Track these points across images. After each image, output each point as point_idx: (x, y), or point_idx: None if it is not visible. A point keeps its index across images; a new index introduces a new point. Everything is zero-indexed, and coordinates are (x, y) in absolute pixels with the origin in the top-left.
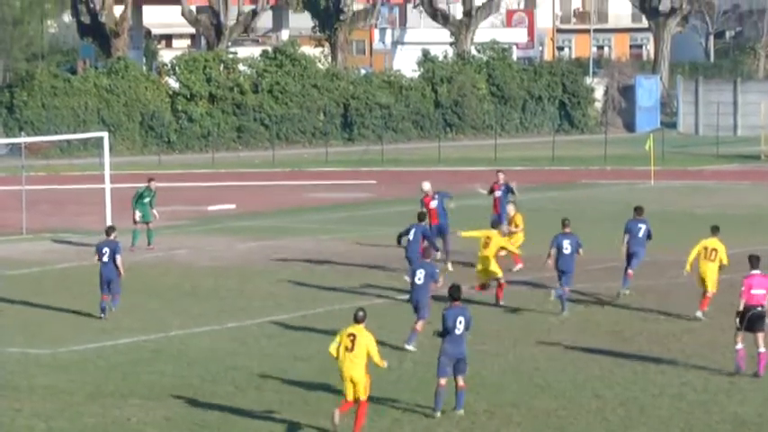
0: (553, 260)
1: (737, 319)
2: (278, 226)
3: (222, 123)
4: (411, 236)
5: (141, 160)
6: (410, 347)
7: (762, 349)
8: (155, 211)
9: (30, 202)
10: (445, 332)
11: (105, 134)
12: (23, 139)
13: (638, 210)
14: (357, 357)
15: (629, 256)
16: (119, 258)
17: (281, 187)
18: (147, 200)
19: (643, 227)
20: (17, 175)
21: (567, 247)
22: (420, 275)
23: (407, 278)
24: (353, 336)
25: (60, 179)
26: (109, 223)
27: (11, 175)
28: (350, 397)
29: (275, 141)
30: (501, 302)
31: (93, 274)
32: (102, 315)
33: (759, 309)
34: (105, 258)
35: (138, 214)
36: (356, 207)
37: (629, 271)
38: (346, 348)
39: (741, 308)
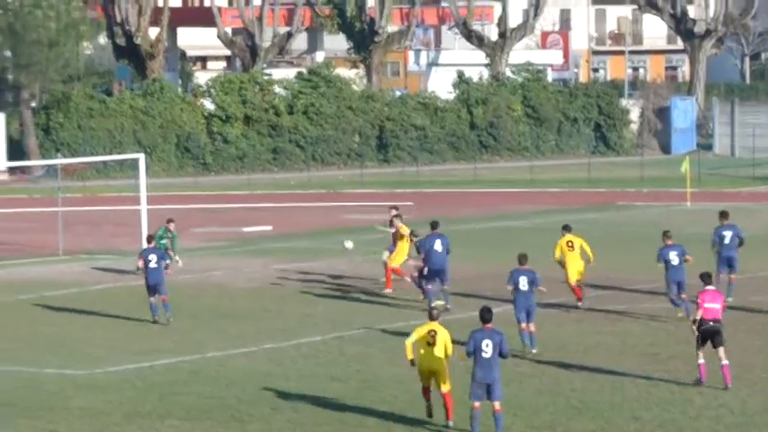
0: None
1: (696, 336)
2: (313, 247)
3: (258, 145)
4: (439, 247)
5: (177, 182)
6: (534, 350)
7: (724, 362)
8: (177, 258)
9: (66, 223)
10: (469, 354)
11: (141, 156)
12: (60, 161)
13: (724, 214)
14: (438, 351)
15: (724, 262)
16: (164, 263)
17: (316, 209)
18: (164, 241)
19: (731, 232)
20: (54, 196)
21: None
22: (524, 282)
23: (509, 286)
24: (434, 332)
25: (97, 200)
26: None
27: (47, 197)
28: (424, 383)
29: (310, 163)
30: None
31: (130, 294)
32: (156, 316)
33: (713, 324)
34: (153, 264)
35: None
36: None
37: (731, 276)
38: (428, 344)
39: (696, 324)
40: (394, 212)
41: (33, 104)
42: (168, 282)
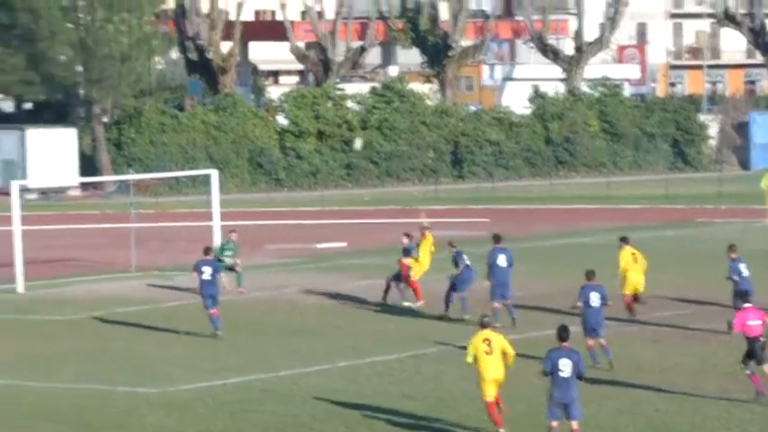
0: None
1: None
2: (387, 264)
3: (331, 160)
4: (502, 262)
5: (250, 198)
6: (609, 357)
7: None
8: (238, 261)
9: (138, 239)
10: (547, 374)
11: (214, 171)
12: (132, 177)
13: None
14: (497, 358)
15: None
16: (219, 275)
17: (390, 225)
18: (228, 253)
19: None
20: (126, 212)
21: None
22: (595, 298)
23: (579, 302)
24: (489, 340)
25: (169, 216)
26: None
27: (120, 213)
28: (491, 397)
29: (384, 178)
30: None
31: (200, 311)
32: (218, 332)
33: (757, 340)
34: (208, 276)
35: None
36: (467, 245)
37: None
38: (485, 353)
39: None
40: (426, 223)
41: (105, 120)
42: (240, 299)
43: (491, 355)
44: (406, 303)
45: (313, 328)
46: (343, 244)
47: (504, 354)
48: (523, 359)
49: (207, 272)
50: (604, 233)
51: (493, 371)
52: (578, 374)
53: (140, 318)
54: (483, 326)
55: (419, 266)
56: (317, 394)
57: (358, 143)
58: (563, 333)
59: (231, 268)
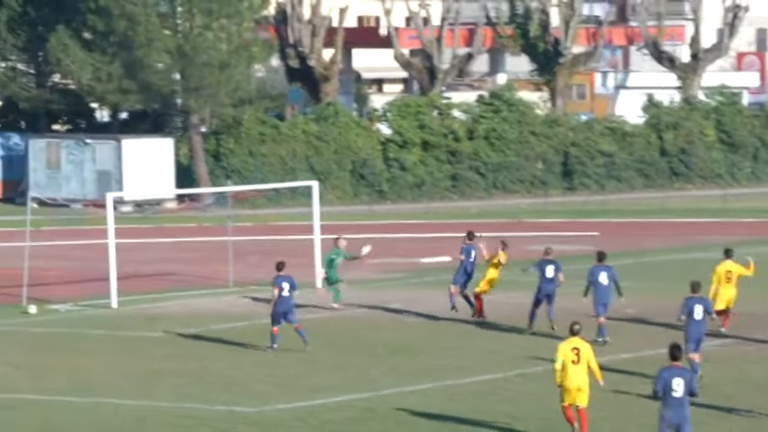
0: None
1: None
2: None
3: (436, 171)
4: (604, 280)
5: (351, 210)
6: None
7: None
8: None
9: (237, 253)
10: (657, 394)
11: (315, 183)
12: (230, 188)
13: None
14: (582, 368)
15: None
16: (296, 292)
17: (498, 239)
18: (338, 260)
19: None
20: (223, 225)
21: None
22: (699, 311)
23: (683, 315)
24: (577, 349)
25: (268, 229)
26: (319, 272)
27: (217, 226)
28: (567, 402)
29: (491, 191)
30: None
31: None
32: (274, 346)
33: None
34: (285, 293)
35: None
36: (577, 260)
37: None
38: (572, 362)
39: None
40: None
41: (203, 129)
42: (340, 316)
43: (578, 364)
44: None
45: (417, 345)
46: (448, 258)
47: (589, 366)
48: (636, 378)
49: (285, 288)
50: (720, 248)
51: (577, 380)
52: (691, 393)
53: (237, 334)
54: (573, 333)
55: (485, 281)
56: (419, 414)
57: (366, 250)
58: (675, 352)
59: (337, 282)
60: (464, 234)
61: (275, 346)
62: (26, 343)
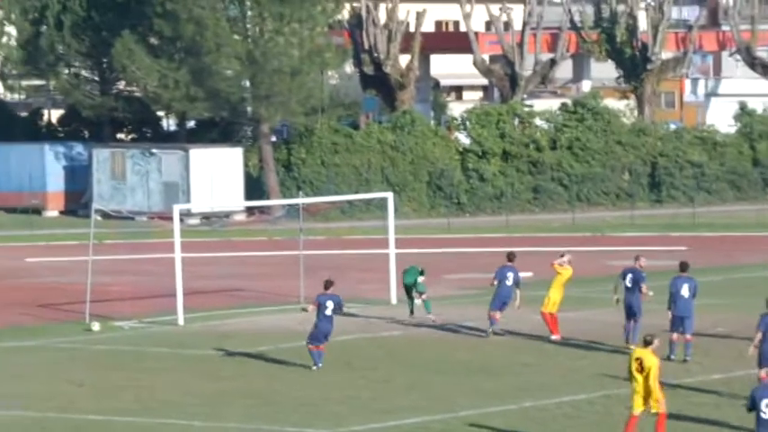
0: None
1: None
2: (577, 296)
3: (517, 183)
4: (685, 292)
5: (428, 223)
6: None
7: None
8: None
9: (308, 267)
10: (750, 410)
11: (390, 195)
12: (302, 200)
13: None
14: (651, 380)
15: None
16: (341, 311)
17: (581, 253)
18: (421, 279)
19: None
20: (294, 238)
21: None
22: None
23: (759, 332)
24: (640, 360)
25: (341, 243)
26: (392, 292)
27: (288, 239)
28: (637, 411)
29: (575, 203)
30: None
31: (376, 346)
32: (318, 365)
33: None
34: (329, 312)
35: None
36: (664, 275)
37: None
38: (636, 370)
39: None
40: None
41: (274, 139)
42: (415, 333)
43: (641, 373)
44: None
45: (497, 364)
46: (529, 274)
47: (649, 379)
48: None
49: (329, 306)
50: None
51: (640, 387)
52: None
53: (307, 353)
54: (645, 343)
55: (550, 299)
56: None
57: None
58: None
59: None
60: (545, 249)
61: (320, 365)
62: (89, 361)
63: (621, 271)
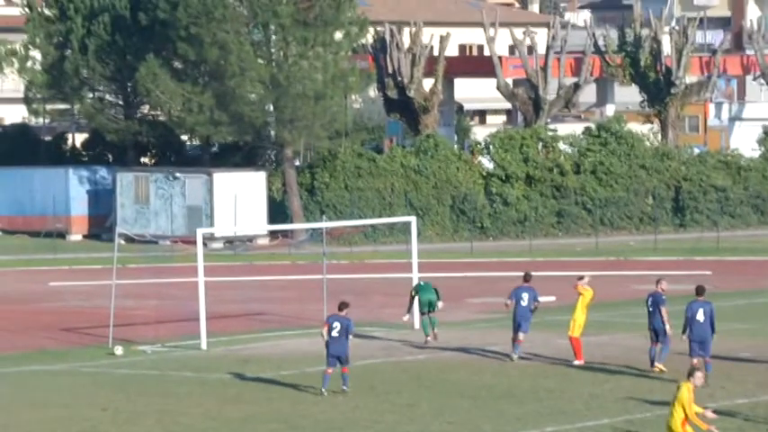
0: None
1: None
2: (601, 320)
3: (540, 207)
4: (701, 316)
5: (451, 247)
6: None
7: None
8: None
9: (331, 291)
10: None
11: (413, 219)
12: (325, 224)
13: None
14: (675, 410)
15: None
16: (351, 337)
17: (604, 278)
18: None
19: None
20: (317, 262)
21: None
22: None
23: None
24: (678, 386)
25: (364, 267)
26: (416, 316)
27: (311, 263)
28: None
29: (598, 227)
30: None
31: (400, 371)
32: (323, 389)
33: None
34: (335, 333)
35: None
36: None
37: None
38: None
39: None
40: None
41: (297, 163)
42: (440, 358)
43: (673, 402)
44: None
45: (521, 389)
46: (552, 298)
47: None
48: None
49: (336, 328)
50: None
51: (668, 419)
52: None
53: (333, 377)
54: (688, 375)
55: (575, 322)
56: None
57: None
58: None
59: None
60: (568, 274)
61: (324, 390)
62: (112, 385)
63: (647, 296)
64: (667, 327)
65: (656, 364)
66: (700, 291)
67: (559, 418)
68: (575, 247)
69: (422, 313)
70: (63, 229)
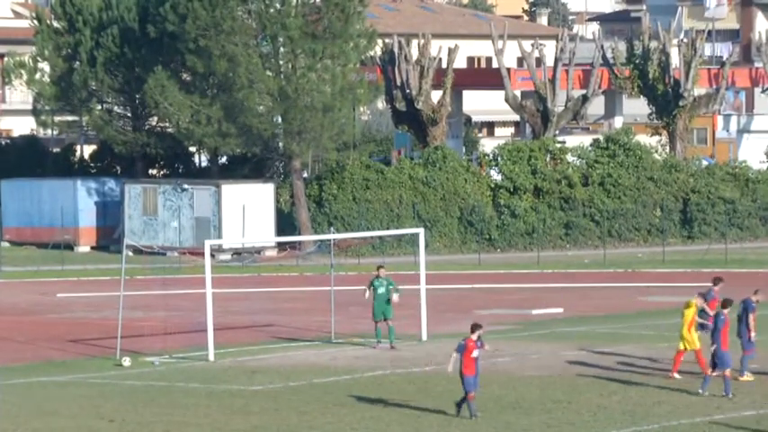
0: None
1: None
2: (609, 332)
3: (548, 219)
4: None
5: (459, 259)
6: None
7: None
8: (396, 297)
9: (339, 303)
10: None
11: (421, 230)
12: (333, 236)
13: None
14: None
15: None
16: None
17: (612, 289)
18: (381, 291)
19: None
20: (325, 274)
21: None
22: None
23: None
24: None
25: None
26: (423, 327)
27: (319, 275)
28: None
29: (606, 239)
30: None
31: (407, 382)
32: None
33: None
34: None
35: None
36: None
37: None
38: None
39: None
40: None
41: (305, 175)
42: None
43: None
44: None
45: (529, 401)
46: (560, 310)
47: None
48: None
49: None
50: None
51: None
52: None
53: (341, 389)
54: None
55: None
56: None
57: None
58: None
59: (385, 319)
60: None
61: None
62: (120, 396)
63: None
64: (753, 333)
65: (746, 373)
66: (726, 303)
67: (567, 429)
68: (583, 258)
69: (376, 321)
70: (71, 240)
